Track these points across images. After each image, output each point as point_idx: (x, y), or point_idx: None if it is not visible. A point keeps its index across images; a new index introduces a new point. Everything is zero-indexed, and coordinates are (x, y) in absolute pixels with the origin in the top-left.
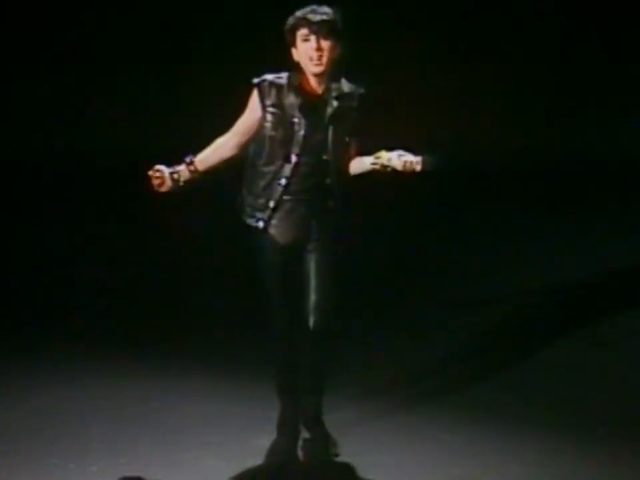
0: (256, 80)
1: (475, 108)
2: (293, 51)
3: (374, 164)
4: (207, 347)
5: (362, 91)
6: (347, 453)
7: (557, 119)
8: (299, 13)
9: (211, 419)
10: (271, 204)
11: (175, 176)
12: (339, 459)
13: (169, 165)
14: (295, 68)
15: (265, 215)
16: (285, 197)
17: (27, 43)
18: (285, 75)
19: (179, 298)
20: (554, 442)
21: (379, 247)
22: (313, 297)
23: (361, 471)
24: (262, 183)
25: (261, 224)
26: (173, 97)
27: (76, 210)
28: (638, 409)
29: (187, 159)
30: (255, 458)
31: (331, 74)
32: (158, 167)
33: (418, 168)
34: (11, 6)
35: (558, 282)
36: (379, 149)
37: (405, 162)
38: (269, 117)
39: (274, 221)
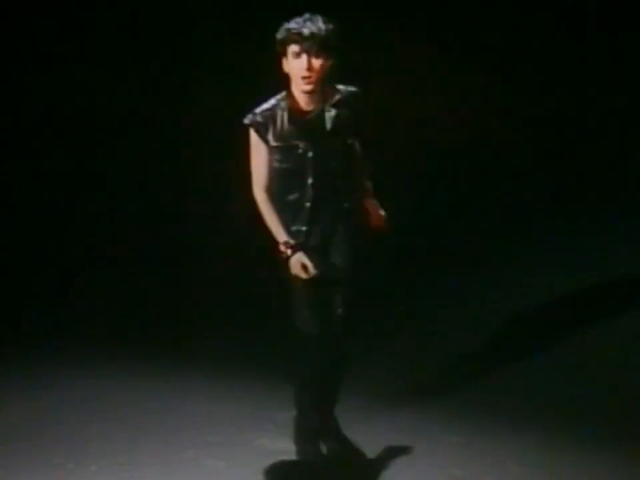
0: (247, 119)
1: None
2: (284, 61)
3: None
4: (207, 347)
5: (353, 90)
6: (346, 453)
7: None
8: (290, 26)
9: (211, 419)
10: (304, 228)
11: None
12: (339, 459)
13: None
14: (284, 79)
15: (299, 240)
16: (313, 217)
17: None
18: (272, 101)
19: (180, 298)
20: (554, 442)
21: (380, 246)
22: (335, 310)
23: (361, 471)
24: (290, 212)
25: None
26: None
27: (77, 210)
28: (638, 409)
29: (290, 243)
30: (255, 458)
31: (322, 86)
32: (304, 263)
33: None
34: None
35: (558, 282)
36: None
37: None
38: (275, 151)
39: (306, 242)
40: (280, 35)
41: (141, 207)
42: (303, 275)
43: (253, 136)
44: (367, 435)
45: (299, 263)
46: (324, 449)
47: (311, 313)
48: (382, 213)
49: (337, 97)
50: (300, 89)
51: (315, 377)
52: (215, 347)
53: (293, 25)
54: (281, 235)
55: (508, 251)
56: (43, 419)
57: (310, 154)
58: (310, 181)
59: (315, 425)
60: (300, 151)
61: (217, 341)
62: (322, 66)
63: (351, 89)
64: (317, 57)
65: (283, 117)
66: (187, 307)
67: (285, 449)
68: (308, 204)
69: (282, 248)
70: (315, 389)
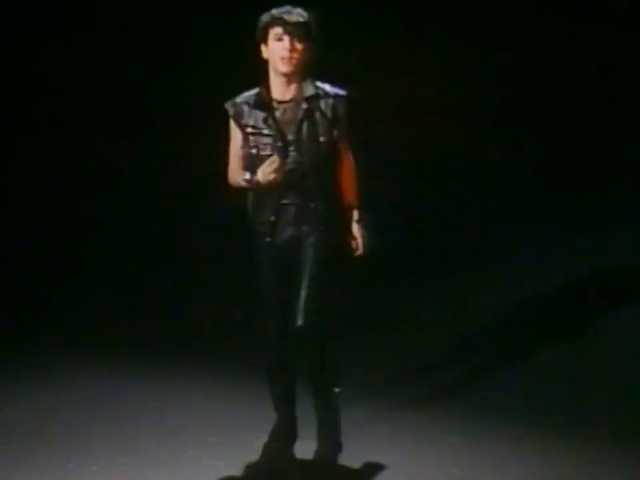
0: (227, 104)
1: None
2: (263, 48)
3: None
4: (207, 347)
5: (340, 92)
6: (346, 453)
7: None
8: (274, 12)
9: (211, 419)
10: (272, 218)
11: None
12: (338, 459)
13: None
14: (262, 66)
15: (268, 229)
16: (281, 207)
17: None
18: (253, 91)
19: (179, 299)
20: (554, 442)
21: (379, 246)
22: (300, 297)
23: (360, 471)
24: (261, 199)
25: (267, 239)
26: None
27: (77, 210)
28: (638, 408)
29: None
30: (255, 458)
31: (301, 76)
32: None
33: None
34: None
35: (558, 282)
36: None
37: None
38: (249, 137)
39: (276, 232)
40: (263, 19)
41: (142, 206)
42: (275, 169)
43: (231, 122)
44: (367, 435)
45: (268, 167)
46: (323, 448)
47: (274, 313)
48: (360, 240)
49: (315, 92)
50: (279, 71)
51: (277, 370)
52: (215, 347)
53: (275, 11)
54: (244, 174)
55: (508, 252)
56: (43, 419)
57: (279, 143)
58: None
59: (282, 417)
60: (269, 139)
61: (216, 341)
62: (303, 50)
63: (333, 89)
64: (299, 40)
65: (258, 104)
66: (187, 307)
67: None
68: (275, 193)
69: (248, 178)
70: (281, 384)
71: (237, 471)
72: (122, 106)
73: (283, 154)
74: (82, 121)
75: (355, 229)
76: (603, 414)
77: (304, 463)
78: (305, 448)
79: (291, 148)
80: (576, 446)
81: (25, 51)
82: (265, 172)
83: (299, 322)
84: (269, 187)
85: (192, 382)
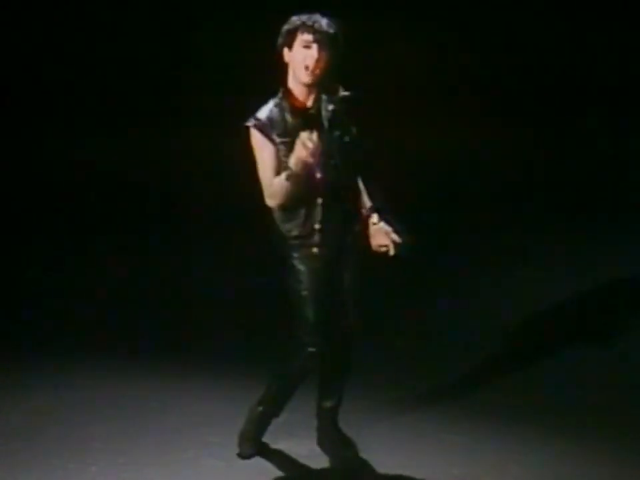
0: (250, 122)
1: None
2: (285, 51)
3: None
4: (206, 347)
5: (346, 93)
6: (347, 452)
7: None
8: (304, 18)
9: (211, 419)
10: (317, 226)
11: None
12: (339, 459)
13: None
14: (281, 70)
15: (315, 240)
16: (326, 215)
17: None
18: (271, 102)
19: (180, 299)
20: (554, 442)
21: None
22: (345, 312)
23: (361, 471)
24: (302, 210)
25: (315, 250)
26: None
27: (78, 209)
28: (638, 408)
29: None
30: (255, 458)
31: (322, 82)
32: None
33: (389, 254)
34: None
35: (557, 283)
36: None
37: (379, 247)
38: (282, 148)
39: (322, 241)
40: (292, 24)
41: (143, 205)
42: (309, 145)
43: (258, 137)
44: (368, 435)
45: (300, 146)
46: (322, 448)
47: (317, 320)
48: (392, 237)
49: (334, 94)
50: (301, 81)
51: (299, 380)
52: (215, 347)
53: (305, 17)
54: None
55: (508, 253)
56: (43, 419)
57: (316, 149)
58: (319, 175)
59: (270, 416)
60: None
61: (216, 341)
62: (327, 61)
63: (344, 91)
64: (327, 50)
65: (284, 114)
66: (187, 307)
67: (285, 448)
68: (320, 200)
69: (290, 171)
70: (291, 391)
71: (237, 470)
72: (120, 105)
73: (322, 159)
74: (79, 119)
75: (379, 230)
76: (603, 414)
77: (303, 462)
78: (305, 448)
79: (326, 151)
80: (576, 446)
81: (24, 47)
82: (300, 150)
83: (351, 319)
84: (303, 170)
85: (192, 382)
